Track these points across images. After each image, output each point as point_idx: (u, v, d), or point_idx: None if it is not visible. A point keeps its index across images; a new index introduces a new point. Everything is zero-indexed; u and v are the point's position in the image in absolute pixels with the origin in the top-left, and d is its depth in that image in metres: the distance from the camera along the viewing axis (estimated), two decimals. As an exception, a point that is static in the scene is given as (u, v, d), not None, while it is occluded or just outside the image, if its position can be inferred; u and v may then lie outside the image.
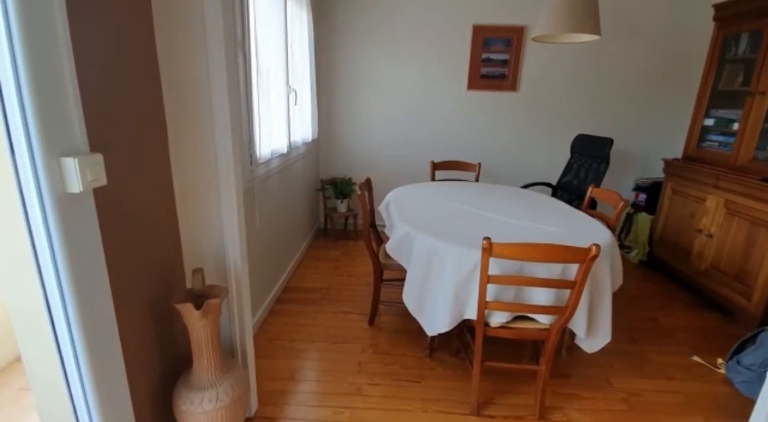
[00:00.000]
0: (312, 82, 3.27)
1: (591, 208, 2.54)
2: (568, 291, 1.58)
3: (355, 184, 3.81)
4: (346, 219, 4.03)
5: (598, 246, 1.42)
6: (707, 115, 3.00)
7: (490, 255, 1.46)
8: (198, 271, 1.29)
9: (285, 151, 2.60)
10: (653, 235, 3.38)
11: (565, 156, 3.75)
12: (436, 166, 3.15)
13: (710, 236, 2.76)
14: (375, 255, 2.30)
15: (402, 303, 1.87)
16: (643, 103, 3.65)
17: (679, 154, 3.33)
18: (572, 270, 1.60)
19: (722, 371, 2.07)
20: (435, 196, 2.46)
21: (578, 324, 1.69)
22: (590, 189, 2.46)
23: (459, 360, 2.12)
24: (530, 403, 1.83)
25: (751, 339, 2.02)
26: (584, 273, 1.47)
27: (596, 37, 2.22)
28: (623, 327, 2.47)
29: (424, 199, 2.41)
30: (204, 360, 1.29)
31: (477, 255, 1.62)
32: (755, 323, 2.38)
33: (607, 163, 3.07)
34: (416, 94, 3.70)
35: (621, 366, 2.11)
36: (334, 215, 3.76)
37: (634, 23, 3.46)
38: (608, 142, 3.08)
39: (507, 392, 1.90)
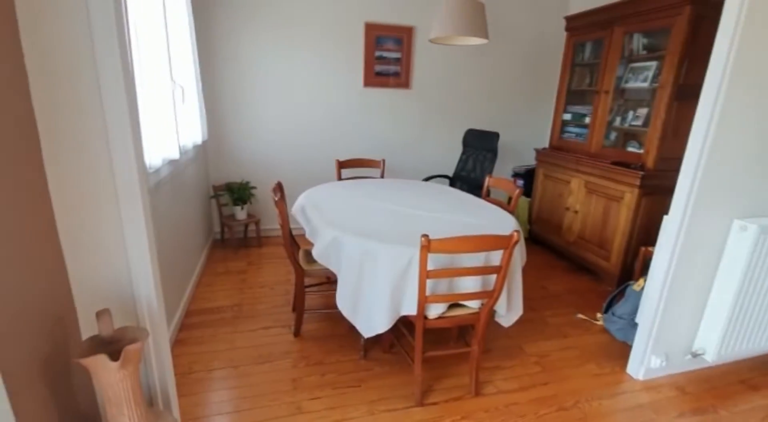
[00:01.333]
0: (197, 77, 2.92)
1: (487, 195, 2.80)
2: (493, 276, 1.72)
3: (254, 187, 3.55)
4: (246, 226, 3.74)
5: (519, 232, 1.57)
6: (565, 111, 3.56)
7: (429, 251, 1.50)
8: (105, 313, 1.05)
9: (176, 156, 2.27)
10: (531, 215, 3.89)
11: (458, 149, 4.07)
12: (341, 165, 3.11)
13: (576, 212, 3.30)
14: (297, 263, 2.18)
15: (326, 308, 1.83)
16: (517, 100, 4.16)
17: (547, 144, 3.89)
18: (494, 256, 1.74)
19: (601, 323, 2.51)
20: (351, 196, 2.43)
21: (500, 303, 1.85)
22: (487, 179, 2.71)
23: (393, 354, 2.15)
24: (465, 383, 1.96)
25: (620, 294, 2.48)
26: (508, 258, 1.61)
27: (484, 40, 2.43)
28: (523, 298, 2.80)
29: (341, 199, 2.36)
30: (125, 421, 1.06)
31: (410, 252, 1.66)
32: (615, 280, 2.94)
33: (495, 154, 3.43)
34: (314, 91, 3.59)
35: (528, 333, 2.40)
36: (232, 223, 3.45)
37: (506, 29, 3.90)
38: (495, 136, 3.43)
39: (441, 377, 2.00)
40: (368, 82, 3.65)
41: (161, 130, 2.09)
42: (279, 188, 2.21)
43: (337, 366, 2.05)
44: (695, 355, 2.08)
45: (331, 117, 3.70)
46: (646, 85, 2.87)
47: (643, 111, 2.95)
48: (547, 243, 3.71)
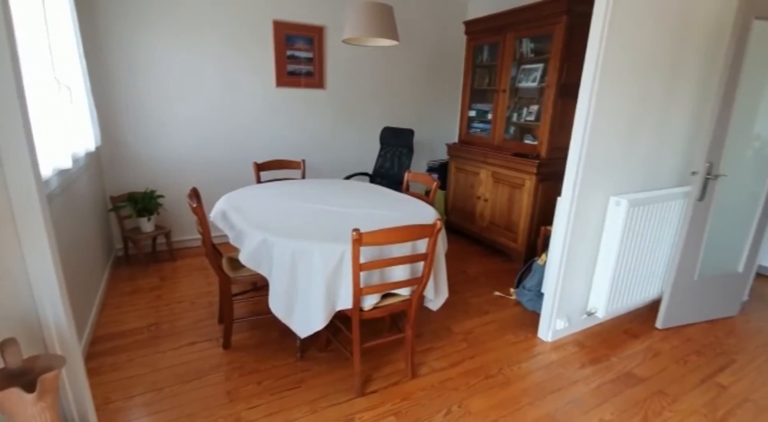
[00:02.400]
0: (85, 76, 2.60)
1: (406, 189, 2.94)
2: (421, 264, 1.84)
3: (162, 196, 3.27)
4: (155, 239, 3.43)
5: (441, 220, 1.70)
6: (470, 108, 3.87)
7: (361, 244, 1.55)
8: (11, 343, 0.91)
9: (68, 165, 2.01)
10: (447, 206, 4.17)
11: (376, 147, 4.18)
12: (260, 167, 3.02)
13: (486, 200, 3.62)
14: (222, 271, 2.08)
15: (256, 315, 1.79)
16: (428, 99, 4.40)
17: (456, 139, 4.18)
18: (419, 245, 1.86)
19: (514, 297, 2.80)
20: (274, 197, 2.38)
21: (429, 288, 1.98)
22: (407, 174, 2.85)
23: (330, 352, 2.17)
24: (401, 367, 2.05)
25: (527, 270, 2.78)
26: (433, 246, 1.74)
27: (395, 42, 2.55)
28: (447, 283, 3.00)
29: (265, 201, 2.30)
30: (42, 460, 0.94)
31: (342, 248, 1.69)
32: (523, 258, 3.29)
33: (412, 150, 3.60)
34: (224, 91, 3.41)
35: (454, 314, 2.58)
36: (138, 237, 3.14)
37: (413, 32, 4.10)
38: (410, 133, 3.60)
39: (379, 365, 2.07)
40: (281, 82, 3.58)
41: (49, 136, 1.84)
42: (195, 194, 2.09)
43: (274, 371, 2.01)
44: (589, 314, 2.44)
45: (244, 118, 3.55)
46: (535, 84, 3.25)
47: (534, 107, 3.34)
48: (463, 231, 4.01)
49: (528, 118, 3.37)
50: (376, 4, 2.33)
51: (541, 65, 3.20)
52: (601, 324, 2.53)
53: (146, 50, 3.08)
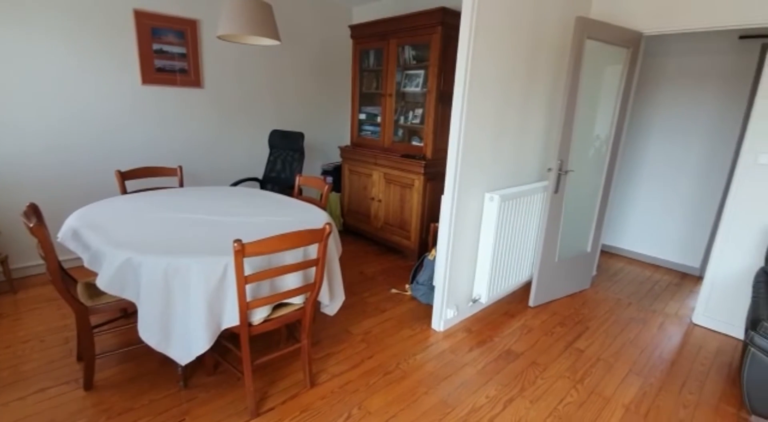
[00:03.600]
0: None
1: (299, 194, 2.86)
2: (313, 269, 1.79)
3: (-7, 214, 2.66)
4: (-13, 267, 2.79)
5: (331, 224, 1.68)
6: (360, 111, 3.93)
7: (244, 255, 1.45)
8: None
9: None
10: (343, 208, 4.17)
11: (265, 150, 3.99)
12: (124, 176, 2.64)
13: (379, 201, 3.71)
14: (76, 300, 1.76)
15: (127, 345, 1.58)
16: (318, 101, 4.34)
17: (348, 142, 4.21)
18: (311, 250, 1.81)
19: (410, 293, 2.91)
20: (143, 210, 2.11)
21: (323, 293, 1.95)
22: (297, 178, 2.77)
23: (220, 374, 1.99)
24: (299, 378, 1.98)
25: (420, 265, 2.92)
26: (324, 250, 1.71)
27: (276, 41, 2.45)
28: (344, 286, 2.99)
29: (130, 215, 2.02)
30: None
31: (224, 261, 1.57)
32: (416, 255, 3.45)
33: (303, 153, 3.52)
34: (76, 91, 2.91)
35: (353, 316, 2.59)
36: (-39, 266, 2.51)
37: (300, 32, 4.00)
38: (300, 136, 3.51)
39: (276, 380, 1.97)
40: (148, 80, 3.19)
41: None
42: (33, 211, 1.74)
43: (152, 406, 1.78)
44: (474, 301, 2.66)
45: (103, 121, 3.08)
46: (418, 89, 3.43)
47: (419, 111, 3.53)
48: (359, 233, 4.05)
49: (414, 121, 3.55)
50: (253, 0, 2.21)
51: (422, 71, 3.39)
52: (485, 309, 2.77)
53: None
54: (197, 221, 1.98)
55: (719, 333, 2.64)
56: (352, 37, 3.80)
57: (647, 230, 3.83)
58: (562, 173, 2.62)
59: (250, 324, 1.65)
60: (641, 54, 2.84)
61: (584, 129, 2.75)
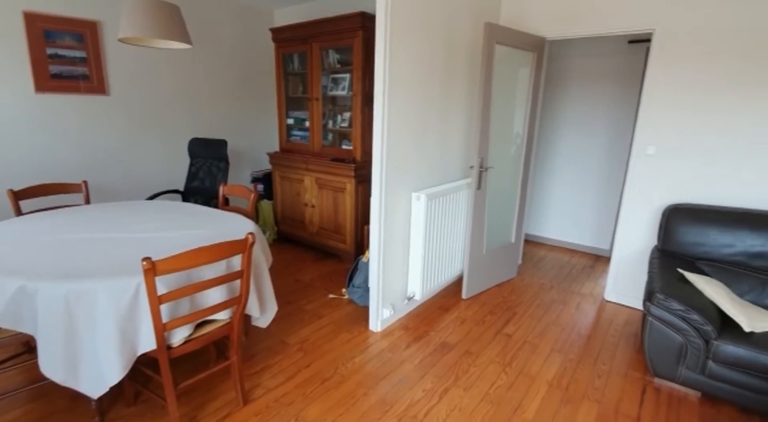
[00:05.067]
0: None
1: (225, 204, 2.74)
2: (238, 282, 1.73)
3: None
4: None
5: (253, 234, 1.63)
6: (288, 116, 3.86)
7: (155, 274, 1.36)
8: None
9: None
10: (276, 216, 4.07)
11: (185, 160, 3.76)
12: (18, 196, 2.36)
13: (313, 206, 3.67)
14: (-42, 340, 1.54)
15: (31, 383, 1.41)
16: (243, 106, 4.18)
17: (278, 148, 4.11)
18: (235, 262, 1.75)
19: (346, 296, 2.91)
20: (39, 232, 1.90)
21: (252, 306, 1.88)
22: (221, 188, 2.65)
23: (141, 403, 1.85)
24: (231, 397, 1.90)
25: (356, 268, 2.93)
26: (248, 261, 1.65)
27: (187, 45, 2.33)
28: (279, 296, 2.92)
29: (23, 238, 1.81)
30: None
31: (136, 281, 1.46)
32: (352, 258, 3.45)
33: (227, 161, 3.37)
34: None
35: (288, 326, 2.53)
36: None
37: (217, 36, 3.83)
38: (223, 143, 3.37)
39: (206, 402, 1.87)
40: (43, 87, 2.88)
41: None
42: None
43: (62, 449, 1.60)
44: (409, 299, 2.73)
45: (-11, 133, 2.73)
46: (345, 93, 3.45)
47: (347, 115, 3.54)
48: (295, 239, 3.97)
49: (343, 125, 3.55)
50: (157, 1, 2.08)
51: (348, 75, 3.41)
52: (420, 306, 2.85)
53: None
54: (105, 240, 1.82)
55: (627, 306, 2.95)
56: (274, 40, 3.72)
57: (565, 218, 4.17)
58: (483, 170, 2.77)
59: (169, 347, 1.55)
60: (546, 57, 3.10)
61: (504, 127, 2.94)
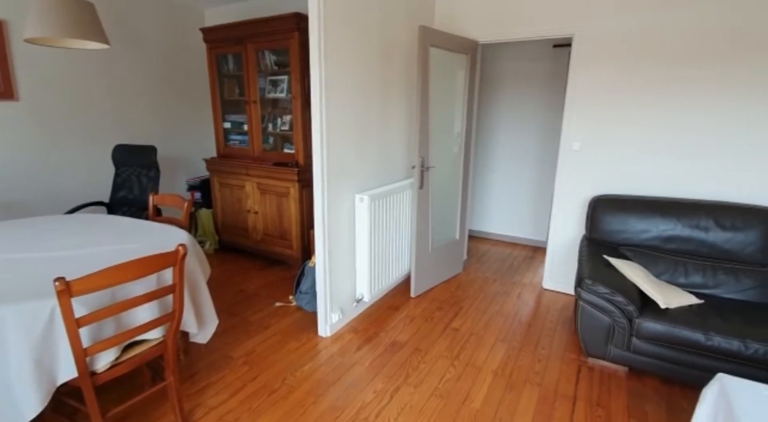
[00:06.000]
0: None
1: (157, 215, 2.57)
2: (170, 297, 1.62)
3: None
4: None
5: (184, 245, 1.54)
6: (224, 120, 3.70)
7: (71, 295, 1.24)
8: None
9: None
10: (217, 225, 3.89)
11: (109, 169, 3.48)
12: None
13: (256, 213, 3.54)
14: None
15: None
16: (173, 111, 3.95)
17: (215, 153, 3.93)
18: (166, 276, 1.64)
19: (294, 303, 2.84)
20: (-70, 256, 1.66)
21: (189, 322, 1.78)
22: (151, 197, 2.48)
23: (67, 438, 1.68)
24: (170, 420, 1.78)
25: (302, 274, 2.87)
26: (180, 274, 1.56)
27: (104, 45, 2.16)
28: (222, 308, 2.78)
29: None
30: None
31: (50, 304, 1.33)
32: (300, 264, 3.38)
33: (158, 169, 3.17)
34: None
35: (233, 339, 2.42)
36: None
37: (142, 35, 3.58)
38: (151, 149, 3.15)
39: (143, 429, 1.74)
40: (-67, 91, 2.54)
41: None
42: None
43: None
44: (358, 301, 2.72)
45: None
46: (284, 95, 3.37)
47: (287, 117, 3.46)
48: (238, 248, 3.82)
49: (283, 128, 3.47)
50: (66, -2, 1.90)
51: (285, 77, 3.33)
52: (369, 307, 2.85)
53: None
54: (16, 261, 1.64)
55: (562, 293, 3.15)
56: (206, 40, 3.56)
57: (505, 213, 4.37)
58: (424, 169, 2.83)
59: (93, 373, 1.43)
60: (479, 59, 3.23)
61: (445, 128, 3.01)
